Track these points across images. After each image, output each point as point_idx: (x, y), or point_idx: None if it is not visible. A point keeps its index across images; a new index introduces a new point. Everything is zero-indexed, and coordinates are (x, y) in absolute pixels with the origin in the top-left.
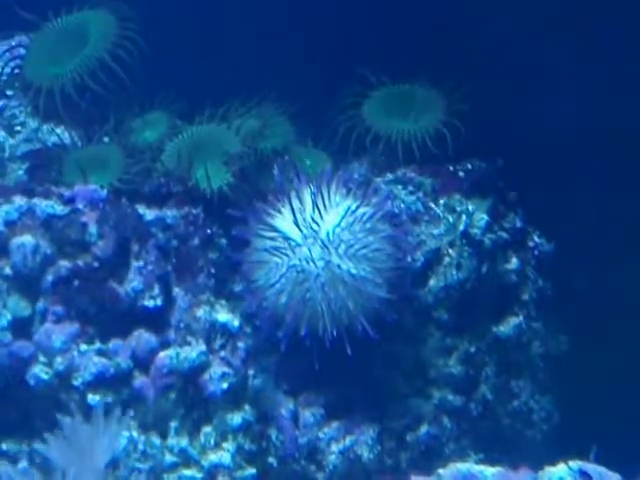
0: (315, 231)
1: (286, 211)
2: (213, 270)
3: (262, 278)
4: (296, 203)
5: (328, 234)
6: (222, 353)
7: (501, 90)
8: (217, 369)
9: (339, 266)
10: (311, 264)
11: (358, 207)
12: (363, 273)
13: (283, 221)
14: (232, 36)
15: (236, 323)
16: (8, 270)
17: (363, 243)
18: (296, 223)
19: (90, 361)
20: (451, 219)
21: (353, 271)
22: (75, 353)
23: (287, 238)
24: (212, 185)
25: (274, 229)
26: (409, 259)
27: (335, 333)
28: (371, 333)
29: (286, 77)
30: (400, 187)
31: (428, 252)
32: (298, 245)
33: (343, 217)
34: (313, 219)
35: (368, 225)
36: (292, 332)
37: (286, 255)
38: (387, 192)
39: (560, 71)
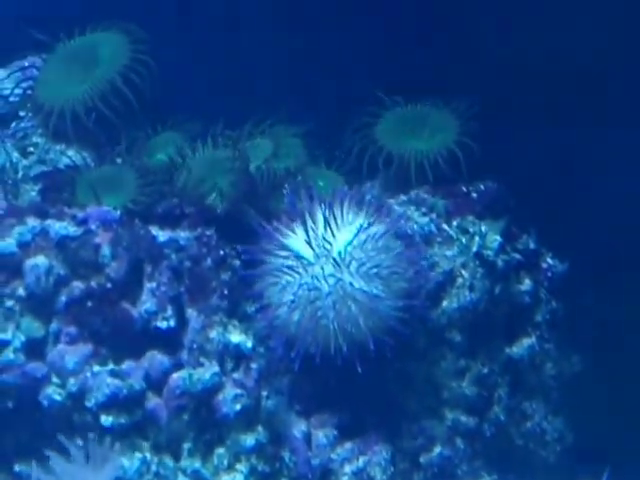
0: (327, 250)
1: (299, 230)
2: (226, 291)
3: (274, 296)
4: (309, 222)
5: (340, 252)
6: (235, 374)
7: (514, 109)
8: (230, 390)
9: (351, 284)
10: (323, 282)
11: (370, 225)
12: (375, 291)
13: (296, 240)
14: (245, 56)
15: (249, 344)
16: (22, 291)
17: (375, 261)
18: (308, 242)
19: (103, 382)
20: (464, 240)
21: (365, 289)
22: (88, 374)
23: (299, 257)
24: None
25: (286, 248)
26: (422, 279)
27: (347, 352)
28: (387, 340)
29: (299, 97)
30: (413, 208)
31: (441, 273)
32: (310, 264)
33: (355, 235)
34: (325, 238)
35: (380, 243)
36: (304, 351)
37: (298, 274)
38: (400, 212)
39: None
